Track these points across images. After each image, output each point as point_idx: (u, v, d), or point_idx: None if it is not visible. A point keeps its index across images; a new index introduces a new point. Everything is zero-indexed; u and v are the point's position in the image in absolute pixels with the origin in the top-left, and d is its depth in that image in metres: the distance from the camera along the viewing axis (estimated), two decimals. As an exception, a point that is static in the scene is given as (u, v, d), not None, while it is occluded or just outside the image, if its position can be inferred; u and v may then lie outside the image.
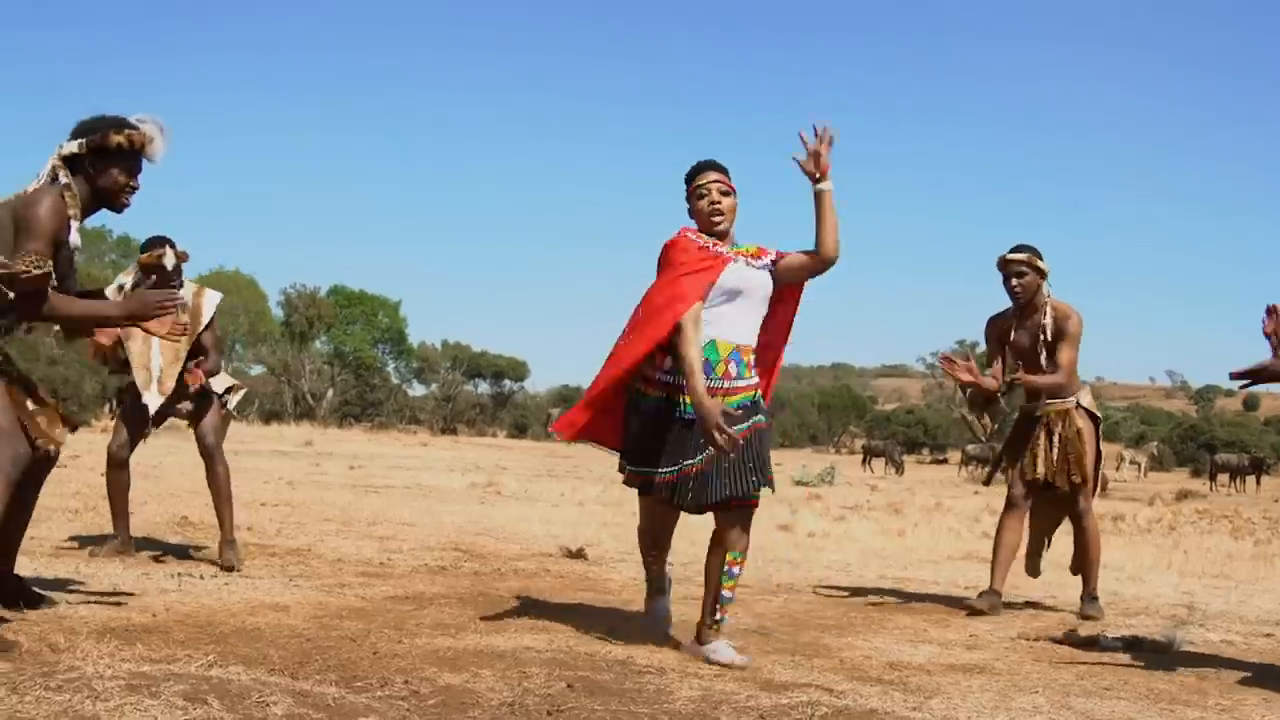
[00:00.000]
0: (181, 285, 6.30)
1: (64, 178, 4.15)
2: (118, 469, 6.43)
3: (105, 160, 4.20)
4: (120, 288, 6.36)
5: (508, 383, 68.69)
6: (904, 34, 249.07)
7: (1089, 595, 6.42)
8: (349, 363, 59.06)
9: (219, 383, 6.59)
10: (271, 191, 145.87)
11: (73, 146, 4.18)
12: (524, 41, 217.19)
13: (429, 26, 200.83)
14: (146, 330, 4.50)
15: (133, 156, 4.25)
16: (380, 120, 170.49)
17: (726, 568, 4.56)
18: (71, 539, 6.95)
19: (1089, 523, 6.43)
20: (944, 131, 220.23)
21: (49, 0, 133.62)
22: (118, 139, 4.19)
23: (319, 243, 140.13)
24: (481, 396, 68.37)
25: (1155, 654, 5.20)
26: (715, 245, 4.64)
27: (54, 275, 4.00)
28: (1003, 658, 5.05)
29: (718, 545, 4.60)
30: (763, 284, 4.70)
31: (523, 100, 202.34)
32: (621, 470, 4.83)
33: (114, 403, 41.64)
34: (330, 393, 56.76)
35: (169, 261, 6.19)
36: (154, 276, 6.23)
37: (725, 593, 4.59)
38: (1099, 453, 6.46)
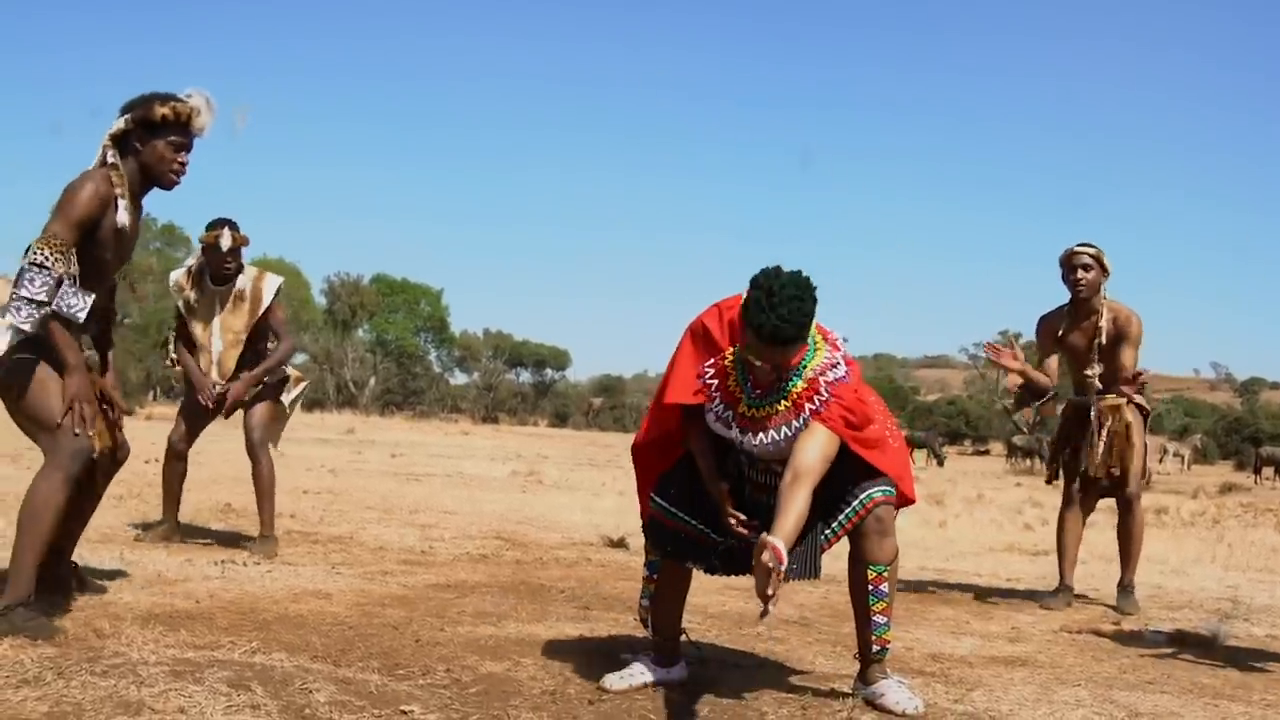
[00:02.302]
0: (240, 269, 6.42)
1: (111, 157, 4.12)
2: (176, 460, 6.53)
3: (151, 134, 4.13)
4: (188, 270, 6.50)
5: (549, 372, 68.97)
6: (959, 22, 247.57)
7: (1124, 586, 6.38)
8: (391, 351, 59.41)
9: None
10: (315, 180, 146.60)
11: (120, 123, 4.14)
12: (567, 28, 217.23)
13: (473, 11, 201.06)
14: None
15: (179, 129, 4.16)
16: (425, 108, 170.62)
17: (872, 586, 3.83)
18: (133, 525, 7.00)
19: (1136, 510, 6.39)
20: (989, 121, 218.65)
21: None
22: (162, 111, 4.11)
23: (362, 231, 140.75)
24: (523, 385, 68.66)
25: (1199, 648, 5.16)
26: (721, 389, 3.71)
27: (76, 259, 3.93)
28: (1045, 650, 5.03)
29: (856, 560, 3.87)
30: (766, 452, 3.76)
31: (566, 88, 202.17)
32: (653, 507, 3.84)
33: (158, 391, 42.19)
34: (372, 381, 57.12)
35: (224, 243, 6.31)
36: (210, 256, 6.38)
37: (877, 618, 3.84)
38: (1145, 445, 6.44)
